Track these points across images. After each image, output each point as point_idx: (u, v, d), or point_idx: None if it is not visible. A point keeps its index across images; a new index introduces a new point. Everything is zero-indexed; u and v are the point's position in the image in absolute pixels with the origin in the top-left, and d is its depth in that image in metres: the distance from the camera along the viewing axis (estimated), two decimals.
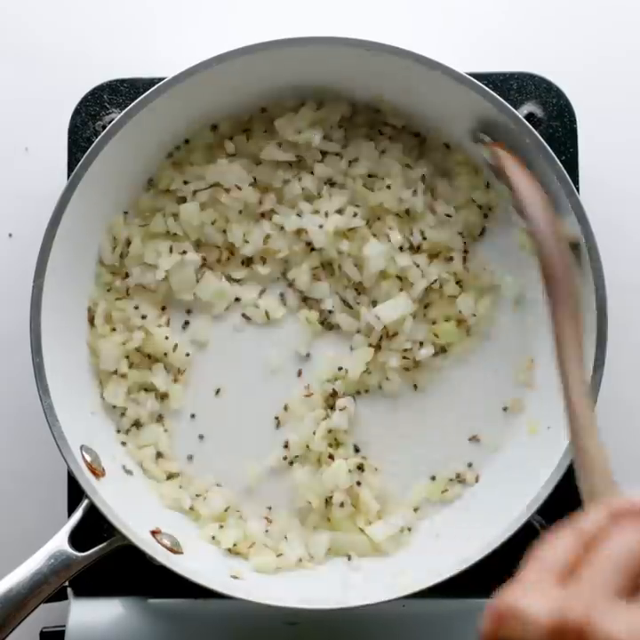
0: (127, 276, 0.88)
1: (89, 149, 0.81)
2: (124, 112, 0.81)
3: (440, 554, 0.83)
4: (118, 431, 0.88)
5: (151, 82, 0.85)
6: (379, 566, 0.85)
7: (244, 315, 0.89)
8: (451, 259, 0.87)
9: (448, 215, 0.87)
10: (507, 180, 0.78)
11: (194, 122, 0.87)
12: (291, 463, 0.87)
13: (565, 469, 0.78)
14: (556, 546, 0.51)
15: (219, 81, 0.82)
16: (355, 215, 0.86)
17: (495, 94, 0.80)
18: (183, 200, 0.88)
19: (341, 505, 0.85)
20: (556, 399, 0.83)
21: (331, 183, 0.88)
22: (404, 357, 0.87)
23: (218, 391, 0.89)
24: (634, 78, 0.95)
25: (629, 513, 0.51)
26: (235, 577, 0.83)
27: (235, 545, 0.86)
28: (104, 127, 0.86)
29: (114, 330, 0.87)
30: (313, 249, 0.88)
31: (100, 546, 0.79)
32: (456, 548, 0.81)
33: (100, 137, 0.81)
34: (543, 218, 0.75)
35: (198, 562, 0.82)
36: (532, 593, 0.49)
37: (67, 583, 0.84)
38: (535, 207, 0.76)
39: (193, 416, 0.89)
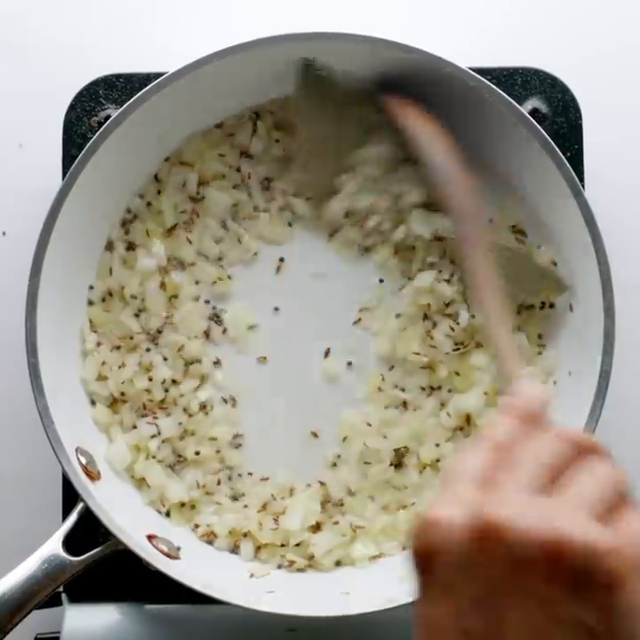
0: None
1: (86, 146, 0.80)
2: (122, 108, 0.80)
3: None
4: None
5: (148, 77, 0.85)
6: (381, 573, 0.84)
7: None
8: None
9: None
10: (404, 128, 0.81)
11: (196, 119, 0.86)
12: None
13: None
14: (471, 459, 0.52)
15: (220, 77, 0.81)
16: None
17: (498, 90, 0.79)
18: None
19: None
20: (560, 400, 0.84)
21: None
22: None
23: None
24: None
25: (531, 415, 0.55)
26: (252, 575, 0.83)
27: (230, 532, 0.85)
28: (99, 123, 0.86)
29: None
30: None
31: (95, 550, 0.78)
32: None
33: (97, 134, 0.80)
34: (445, 161, 0.79)
35: (195, 567, 0.81)
36: (452, 502, 0.50)
37: (61, 589, 0.83)
38: (436, 152, 0.79)
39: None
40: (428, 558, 0.50)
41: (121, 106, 0.80)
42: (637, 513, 0.51)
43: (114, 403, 0.86)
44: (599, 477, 0.52)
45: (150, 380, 0.86)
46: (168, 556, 0.81)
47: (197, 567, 0.81)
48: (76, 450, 0.80)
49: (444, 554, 0.50)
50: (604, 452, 0.54)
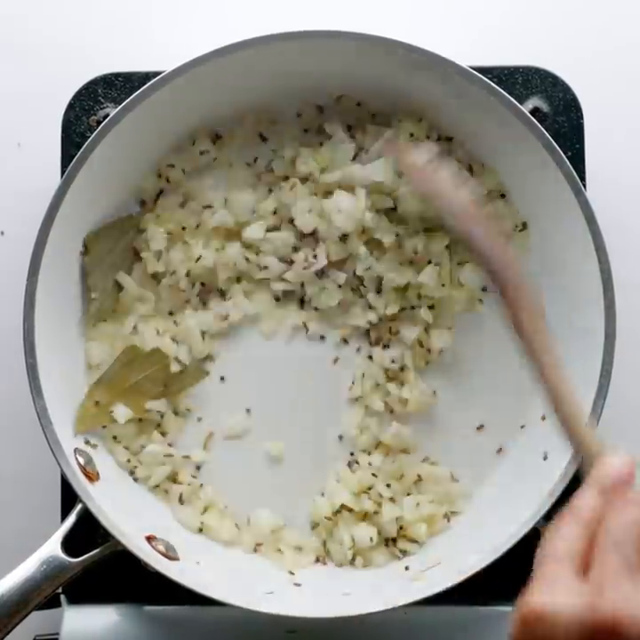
0: None
1: (84, 145, 0.80)
2: (121, 106, 0.80)
3: (444, 562, 0.82)
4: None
5: (146, 76, 0.85)
6: (381, 574, 0.84)
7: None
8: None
9: None
10: (427, 188, 0.77)
11: (195, 117, 0.86)
12: None
13: (572, 476, 0.78)
14: (562, 537, 0.52)
15: (218, 76, 0.81)
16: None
17: (499, 89, 0.79)
18: None
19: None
20: None
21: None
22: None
23: (222, 378, 0.88)
24: None
25: (617, 487, 0.54)
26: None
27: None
28: (98, 122, 0.85)
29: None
30: None
31: (94, 551, 0.78)
32: (460, 556, 0.80)
33: (95, 132, 0.80)
34: (486, 239, 0.72)
35: (194, 568, 0.81)
36: (554, 591, 0.49)
37: (60, 590, 0.83)
38: (472, 224, 0.73)
39: (199, 419, 0.88)
40: None
41: (120, 105, 0.80)
42: None
43: None
44: None
45: None
46: (167, 556, 0.81)
47: (196, 568, 0.81)
48: (75, 451, 0.80)
49: None
50: None
